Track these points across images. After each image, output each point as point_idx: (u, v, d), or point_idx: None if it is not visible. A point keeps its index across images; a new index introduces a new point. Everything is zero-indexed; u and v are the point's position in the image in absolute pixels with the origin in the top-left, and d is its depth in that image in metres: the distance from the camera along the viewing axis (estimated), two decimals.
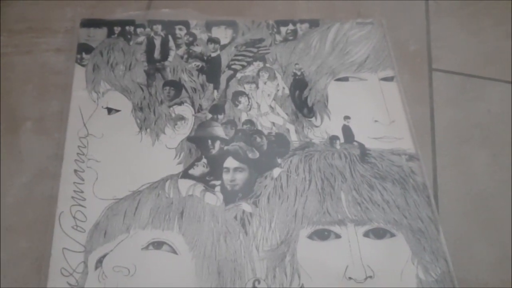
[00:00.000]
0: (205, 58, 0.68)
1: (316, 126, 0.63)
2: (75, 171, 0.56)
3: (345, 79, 0.67)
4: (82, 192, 0.54)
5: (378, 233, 0.54)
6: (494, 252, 0.56)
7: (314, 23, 0.72)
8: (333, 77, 0.67)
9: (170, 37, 0.69)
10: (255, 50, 0.69)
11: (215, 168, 0.58)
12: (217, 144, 0.60)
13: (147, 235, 0.52)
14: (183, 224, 0.53)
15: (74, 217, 0.53)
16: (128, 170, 0.56)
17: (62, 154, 0.57)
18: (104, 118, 0.60)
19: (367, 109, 0.64)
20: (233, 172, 0.58)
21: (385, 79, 0.67)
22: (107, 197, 0.54)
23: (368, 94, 0.66)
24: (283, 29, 0.71)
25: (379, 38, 0.71)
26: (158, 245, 0.52)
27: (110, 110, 0.61)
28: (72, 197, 0.54)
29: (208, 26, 0.71)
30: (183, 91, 0.64)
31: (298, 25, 0.72)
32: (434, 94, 0.68)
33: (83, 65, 0.65)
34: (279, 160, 0.59)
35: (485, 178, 0.61)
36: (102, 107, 0.61)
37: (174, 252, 0.51)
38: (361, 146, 0.61)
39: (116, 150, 0.58)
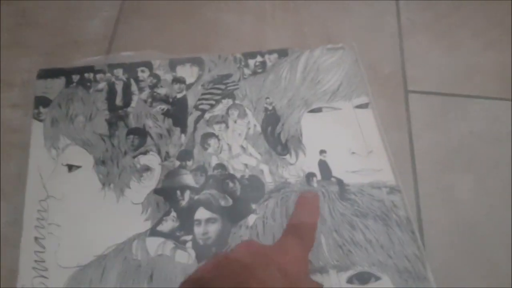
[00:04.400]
0: (171, 100, 0.64)
1: (291, 164, 0.60)
2: (36, 238, 0.52)
3: (319, 110, 0.64)
4: (43, 261, 0.51)
5: (363, 278, 0.51)
6: (486, 285, 0.53)
7: (283, 53, 0.69)
8: (306, 109, 0.64)
9: (132, 81, 0.66)
10: (223, 86, 0.66)
11: (186, 222, 0.54)
12: (187, 194, 0.56)
13: None
14: None
15: None
16: (92, 232, 0.53)
17: (21, 220, 0.53)
18: (65, 177, 0.57)
19: (343, 140, 0.61)
20: (205, 224, 0.54)
21: (360, 106, 0.64)
22: (70, 265, 0.51)
23: (343, 124, 0.63)
24: (251, 62, 0.69)
25: (351, 63, 0.68)
26: None
27: (70, 167, 0.58)
28: (34, 268, 0.50)
29: (172, 65, 0.68)
30: (148, 138, 0.61)
31: (266, 56, 0.69)
32: (411, 118, 0.65)
33: (40, 120, 0.61)
34: (253, 206, 0.56)
35: (472, 204, 0.58)
36: (62, 164, 0.58)
37: None
38: (339, 181, 0.58)
39: (78, 211, 0.54)
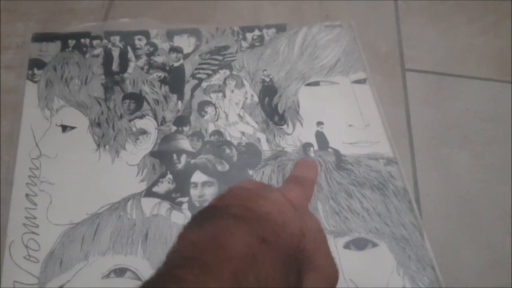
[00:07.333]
0: (168, 68, 0.64)
1: (288, 134, 0.59)
2: (27, 195, 0.51)
3: (316, 83, 0.64)
4: (34, 218, 0.49)
5: (359, 244, 0.51)
6: (483, 257, 0.52)
7: (281, 28, 0.69)
8: (303, 82, 0.64)
9: (129, 48, 0.65)
10: (220, 57, 0.66)
11: (182, 184, 0.53)
12: (183, 157, 0.56)
13: (108, 261, 0.47)
14: (147, 247, 0.48)
15: (26, 246, 0.48)
16: (86, 191, 0.52)
17: (12, 178, 0.52)
18: (58, 137, 0.56)
19: (341, 113, 0.61)
20: (202, 187, 0.53)
21: (358, 81, 0.64)
22: (62, 222, 0.49)
23: (340, 98, 0.63)
24: (248, 35, 0.68)
25: (348, 41, 0.69)
26: (120, 272, 0.47)
27: (64, 128, 0.57)
28: (24, 224, 0.49)
29: (170, 35, 0.67)
30: (145, 103, 0.60)
31: (264, 31, 0.69)
32: (408, 95, 0.65)
33: (35, 82, 0.60)
34: (250, 172, 0.55)
35: (467, 179, 0.58)
36: (56, 124, 0.57)
37: (139, 279, 0.46)
38: (336, 152, 0.58)
39: (71, 170, 0.53)
